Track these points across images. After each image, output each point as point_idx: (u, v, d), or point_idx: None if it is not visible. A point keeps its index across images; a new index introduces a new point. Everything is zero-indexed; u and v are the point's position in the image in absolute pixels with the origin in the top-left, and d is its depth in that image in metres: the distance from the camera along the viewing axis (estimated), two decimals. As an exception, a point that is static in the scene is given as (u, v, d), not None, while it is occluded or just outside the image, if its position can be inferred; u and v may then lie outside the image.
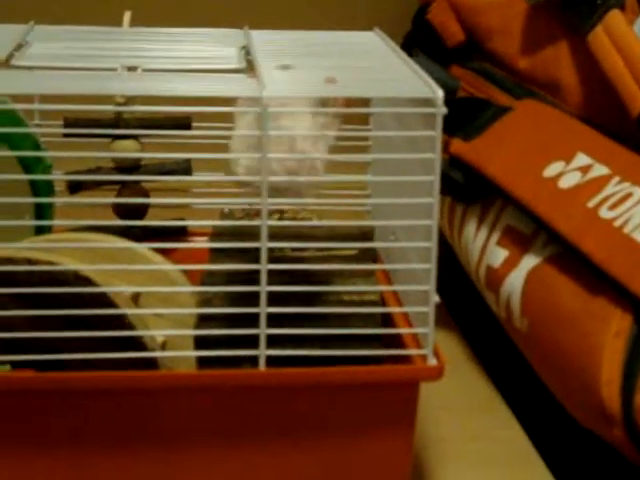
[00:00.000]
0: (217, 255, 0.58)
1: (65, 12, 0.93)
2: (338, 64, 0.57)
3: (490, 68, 0.75)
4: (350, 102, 0.54)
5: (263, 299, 0.52)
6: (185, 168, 0.65)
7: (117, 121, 0.63)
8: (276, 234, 0.53)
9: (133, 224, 0.60)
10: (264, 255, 0.51)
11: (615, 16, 0.64)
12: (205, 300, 0.55)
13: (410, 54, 0.60)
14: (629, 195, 0.60)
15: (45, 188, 0.63)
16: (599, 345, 0.58)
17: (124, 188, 0.65)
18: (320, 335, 0.53)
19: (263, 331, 0.52)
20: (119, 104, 0.62)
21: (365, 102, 0.61)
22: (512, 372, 0.72)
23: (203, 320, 0.54)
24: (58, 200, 0.64)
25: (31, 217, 0.62)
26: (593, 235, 0.60)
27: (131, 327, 0.53)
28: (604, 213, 0.60)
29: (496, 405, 0.69)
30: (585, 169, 0.63)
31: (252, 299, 0.53)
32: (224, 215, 0.62)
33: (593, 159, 0.63)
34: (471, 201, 0.71)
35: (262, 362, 0.52)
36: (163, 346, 0.55)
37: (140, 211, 0.65)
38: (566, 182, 0.63)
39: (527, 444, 0.66)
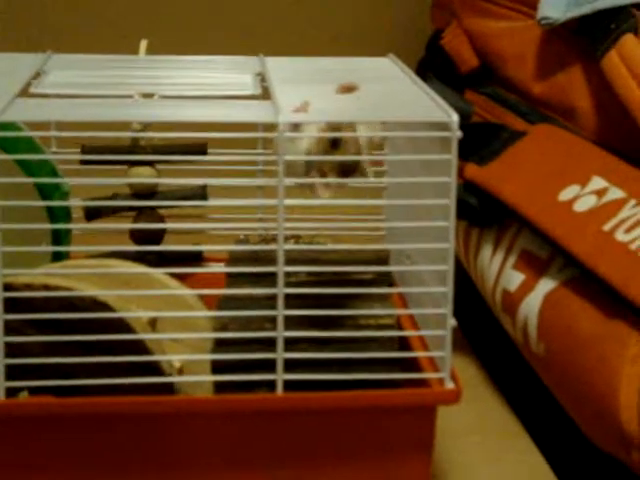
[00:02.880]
0: (234, 280, 0.58)
1: (82, 41, 0.94)
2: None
3: (504, 93, 0.76)
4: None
5: (280, 323, 0.52)
6: (201, 194, 0.65)
7: (134, 148, 0.64)
8: (292, 259, 0.53)
9: (149, 250, 0.60)
10: (281, 279, 0.52)
11: (629, 40, 0.64)
12: (222, 325, 0.55)
13: (424, 80, 0.61)
14: (645, 218, 0.60)
15: (62, 215, 0.64)
16: (617, 369, 0.57)
17: (140, 214, 0.65)
18: (337, 359, 0.53)
19: (280, 355, 0.52)
20: (136, 131, 0.62)
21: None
22: (529, 396, 0.72)
23: (220, 345, 0.54)
24: (75, 227, 0.65)
25: (48, 243, 0.62)
26: (609, 258, 0.60)
27: (148, 352, 0.53)
28: (620, 236, 0.60)
29: (513, 429, 0.69)
30: (600, 192, 0.63)
31: (269, 324, 0.53)
32: (240, 241, 0.62)
33: (608, 182, 0.63)
34: (486, 225, 0.71)
35: (279, 386, 0.52)
36: (180, 371, 0.56)
37: (156, 237, 0.65)
38: (581, 206, 0.63)
39: (545, 468, 0.65)
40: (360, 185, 0.57)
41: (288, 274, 0.52)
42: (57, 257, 0.62)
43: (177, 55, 0.65)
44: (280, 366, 0.52)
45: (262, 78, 0.60)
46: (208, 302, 0.59)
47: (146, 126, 0.62)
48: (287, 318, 0.52)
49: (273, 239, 0.53)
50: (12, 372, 0.51)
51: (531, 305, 0.65)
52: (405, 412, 0.53)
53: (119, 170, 0.64)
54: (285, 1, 0.97)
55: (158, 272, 0.58)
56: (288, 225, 0.52)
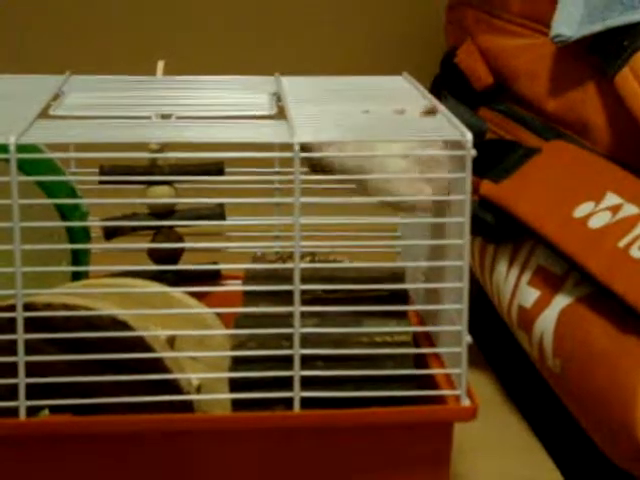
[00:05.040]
0: (251, 298, 0.58)
1: (99, 62, 0.95)
2: (368, 108, 0.57)
3: (518, 110, 0.76)
4: None
5: (297, 341, 0.52)
6: (218, 213, 0.66)
7: (151, 168, 0.64)
8: (308, 277, 0.53)
9: (168, 269, 0.61)
10: (297, 297, 0.52)
11: (642, 57, 0.65)
12: (239, 343, 0.55)
13: (439, 97, 0.61)
14: (659, 234, 0.60)
15: (82, 235, 0.64)
16: (632, 385, 0.58)
17: (159, 233, 0.66)
18: (353, 376, 0.53)
19: (297, 373, 0.52)
20: (153, 151, 0.63)
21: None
22: (546, 412, 0.72)
23: (238, 363, 0.55)
24: (94, 246, 0.65)
25: (68, 263, 0.63)
26: (624, 275, 0.60)
27: (167, 370, 0.54)
28: (635, 253, 0.60)
29: (530, 445, 0.69)
30: (615, 209, 0.63)
31: (286, 341, 0.53)
32: (256, 259, 0.63)
33: (623, 199, 0.63)
34: (502, 242, 0.71)
35: (296, 404, 0.53)
36: (198, 389, 0.56)
37: (174, 256, 0.65)
38: (596, 222, 0.63)
39: (562, 484, 0.65)
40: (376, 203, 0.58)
41: (304, 291, 0.52)
42: (76, 276, 0.63)
43: (194, 75, 0.65)
44: (297, 384, 0.52)
45: (278, 98, 0.61)
46: (226, 320, 0.59)
47: (163, 146, 0.63)
48: (304, 336, 0.52)
49: (289, 257, 0.54)
50: (32, 391, 0.52)
51: (547, 321, 0.65)
52: (421, 429, 0.54)
53: (137, 190, 0.64)
54: (300, 20, 0.98)
55: (176, 291, 0.59)
56: (304, 243, 0.53)
